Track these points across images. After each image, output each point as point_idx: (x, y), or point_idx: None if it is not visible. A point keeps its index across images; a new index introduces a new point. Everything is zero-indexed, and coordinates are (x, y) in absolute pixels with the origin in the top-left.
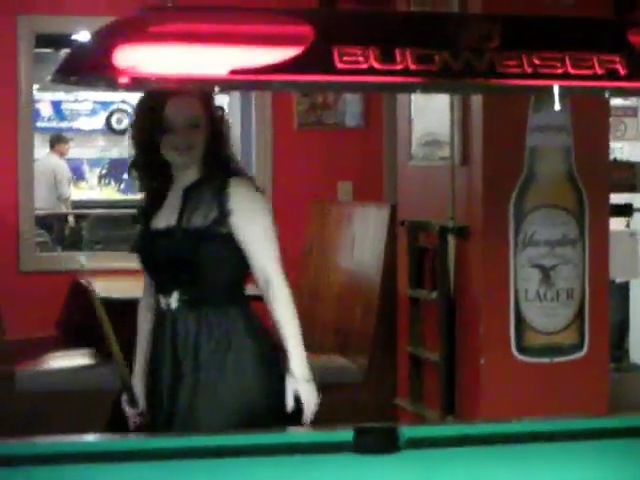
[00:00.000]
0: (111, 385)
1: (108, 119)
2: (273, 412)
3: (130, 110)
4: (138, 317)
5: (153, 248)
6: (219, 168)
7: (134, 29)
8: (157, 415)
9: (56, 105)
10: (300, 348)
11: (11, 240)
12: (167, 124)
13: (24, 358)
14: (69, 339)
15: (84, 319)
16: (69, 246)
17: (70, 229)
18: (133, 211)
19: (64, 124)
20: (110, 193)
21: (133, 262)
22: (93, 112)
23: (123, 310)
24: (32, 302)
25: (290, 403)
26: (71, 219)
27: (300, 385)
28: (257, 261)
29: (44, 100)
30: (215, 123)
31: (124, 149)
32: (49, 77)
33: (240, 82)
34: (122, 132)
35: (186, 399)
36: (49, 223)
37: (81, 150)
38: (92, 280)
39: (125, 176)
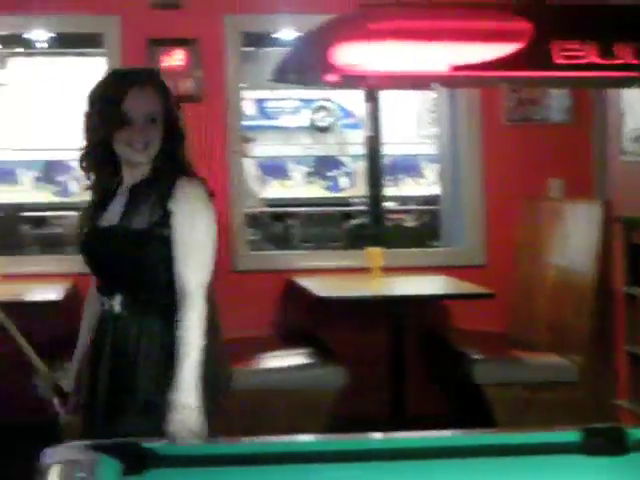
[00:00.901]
0: (328, 385)
1: (312, 116)
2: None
3: (334, 108)
4: (83, 321)
5: (97, 248)
6: (168, 167)
7: (354, 26)
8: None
9: (259, 103)
10: (191, 374)
11: (224, 239)
12: (125, 118)
13: (241, 357)
14: (287, 339)
15: (300, 318)
16: (279, 245)
17: (282, 227)
18: (339, 209)
19: (267, 122)
20: (315, 191)
21: (344, 260)
22: (296, 110)
23: (349, 308)
24: (247, 301)
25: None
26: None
27: (178, 413)
28: (177, 265)
29: (247, 98)
30: (172, 119)
31: (329, 147)
32: (268, 77)
33: (460, 79)
34: (326, 129)
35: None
36: (256, 222)
37: (285, 148)
38: (305, 279)
39: (330, 174)
